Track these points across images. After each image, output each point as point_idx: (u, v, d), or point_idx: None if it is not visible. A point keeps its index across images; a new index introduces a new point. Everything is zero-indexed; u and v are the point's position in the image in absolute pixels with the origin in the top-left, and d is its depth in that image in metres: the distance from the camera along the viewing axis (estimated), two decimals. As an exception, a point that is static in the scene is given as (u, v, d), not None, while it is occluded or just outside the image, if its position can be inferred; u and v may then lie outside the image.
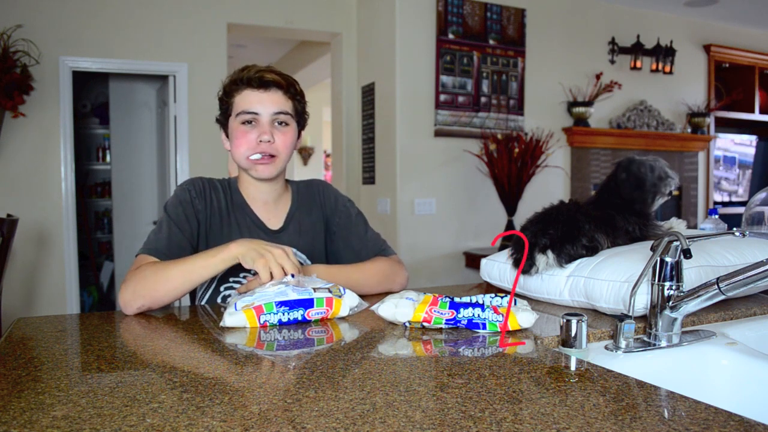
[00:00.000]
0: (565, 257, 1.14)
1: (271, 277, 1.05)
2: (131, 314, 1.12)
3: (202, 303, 1.30)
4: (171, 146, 3.95)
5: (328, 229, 1.41)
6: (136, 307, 1.11)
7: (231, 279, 1.29)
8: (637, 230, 1.25)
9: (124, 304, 1.11)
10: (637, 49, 4.50)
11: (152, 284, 1.10)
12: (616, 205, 1.27)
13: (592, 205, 1.30)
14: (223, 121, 1.33)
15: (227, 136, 1.33)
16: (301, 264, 1.35)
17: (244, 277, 1.29)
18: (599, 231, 1.18)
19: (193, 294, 1.33)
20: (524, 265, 1.15)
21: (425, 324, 0.95)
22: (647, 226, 1.27)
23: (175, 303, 1.17)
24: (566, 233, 1.15)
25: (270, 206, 1.35)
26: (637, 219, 1.26)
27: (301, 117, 1.33)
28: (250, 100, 1.25)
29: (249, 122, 1.25)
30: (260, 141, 1.24)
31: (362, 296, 1.15)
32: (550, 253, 1.14)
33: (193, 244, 1.26)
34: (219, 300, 1.29)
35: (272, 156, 1.26)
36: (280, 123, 1.27)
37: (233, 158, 1.32)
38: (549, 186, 4.15)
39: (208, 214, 1.29)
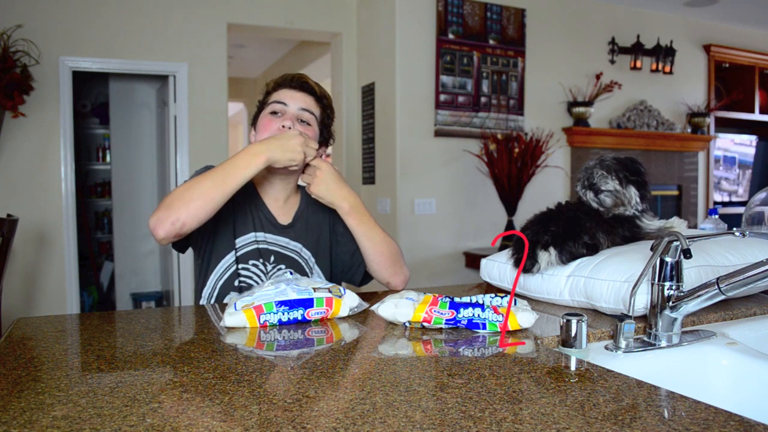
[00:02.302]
0: (566, 254, 1.14)
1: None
2: (164, 236, 1.12)
3: (222, 282, 1.31)
4: (171, 146, 3.95)
5: (333, 231, 1.44)
6: (169, 223, 1.11)
7: (240, 266, 1.32)
8: (627, 231, 1.25)
9: (157, 223, 1.12)
10: (637, 49, 4.50)
11: (188, 196, 1.13)
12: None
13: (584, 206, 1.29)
14: (257, 116, 1.39)
15: (255, 131, 1.38)
16: (306, 261, 1.37)
17: (254, 265, 1.32)
18: (600, 230, 1.18)
19: (203, 281, 1.34)
20: (526, 263, 1.15)
21: (425, 324, 0.95)
22: (636, 227, 1.26)
23: (175, 303, 1.17)
24: (568, 230, 1.15)
25: (280, 203, 1.40)
26: (627, 224, 1.25)
27: (325, 129, 1.40)
28: (283, 95, 1.35)
29: (276, 113, 1.33)
30: (282, 126, 1.30)
31: (362, 297, 1.15)
32: (552, 249, 1.14)
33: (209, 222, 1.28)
34: (236, 283, 1.30)
35: None
36: (304, 121, 1.34)
37: None
38: (549, 186, 4.15)
39: (229, 202, 1.31)
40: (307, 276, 1.36)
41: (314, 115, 1.35)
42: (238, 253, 1.31)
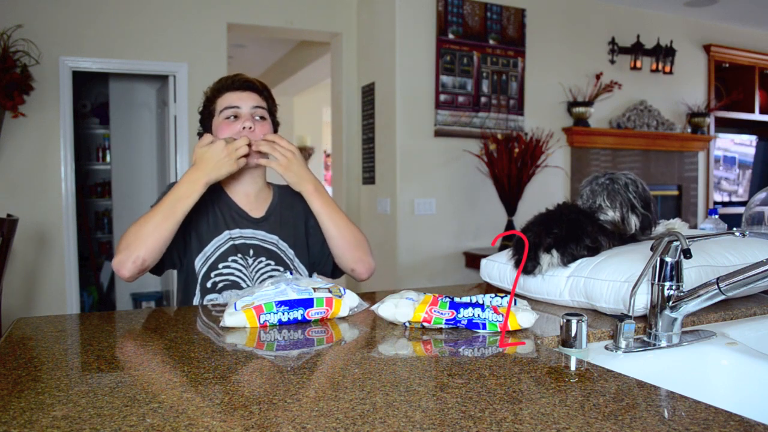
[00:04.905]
0: (568, 257, 1.14)
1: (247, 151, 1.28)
2: (128, 274, 1.16)
3: (198, 283, 1.33)
4: (171, 146, 3.95)
5: (306, 224, 1.47)
6: (131, 262, 1.16)
7: (221, 265, 1.33)
8: (628, 240, 1.24)
9: (120, 265, 1.17)
10: (637, 49, 4.49)
11: (142, 234, 1.18)
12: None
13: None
14: (207, 127, 1.42)
15: None
16: (284, 253, 1.38)
17: (234, 261, 1.34)
18: (601, 232, 1.18)
19: (188, 283, 1.35)
20: (528, 265, 1.15)
21: (425, 324, 0.95)
22: (635, 242, 1.25)
23: (173, 303, 1.18)
24: (570, 233, 1.15)
25: (251, 198, 1.43)
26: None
27: (273, 117, 1.46)
28: (231, 99, 1.38)
29: (233, 117, 1.37)
30: (243, 128, 1.35)
31: (362, 297, 1.15)
32: (554, 252, 1.14)
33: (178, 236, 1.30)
34: (209, 285, 1.32)
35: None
36: (259, 117, 1.39)
37: None
38: (549, 186, 4.15)
39: (194, 210, 1.32)
40: (289, 268, 1.39)
41: (265, 109, 1.41)
42: (214, 255, 1.33)
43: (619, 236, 1.22)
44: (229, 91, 1.38)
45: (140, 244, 1.18)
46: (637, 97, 4.59)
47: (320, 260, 1.47)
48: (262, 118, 1.39)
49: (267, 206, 1.44)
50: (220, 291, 1.32)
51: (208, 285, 1.32)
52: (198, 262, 1.33)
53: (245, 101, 1.37)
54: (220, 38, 3.86)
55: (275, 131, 1.45)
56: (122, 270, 1.18)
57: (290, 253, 1.41)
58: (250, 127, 1.35)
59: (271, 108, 1.44)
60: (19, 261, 3.46)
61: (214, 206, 1.37)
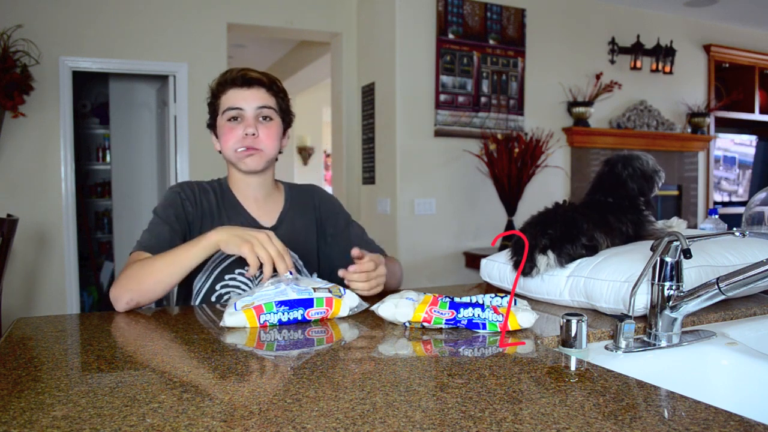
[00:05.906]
0: (565, 257, 1.14)
1: (259, 264, 1.06)
2: (121, 310, 1.13)
3: (198, 301, 1.29)
4: (171, 146, 3.95)
5: (322, 232, 1.42)
6: (124, 302, 1.12)
7: (227, 277, 1.29)
8: (630, 230, 1.25)
9: (114, 300, 1.13)
10: (637, 49, 4.49)
11: (139, 278, 1.13)
12: (609, 204, 1.27)
13: (584, 205, 1.29)
14: (213, 123, 1.38)
15: (217, 138, 1.38)
16: (293, 263, 1.36)
17: (241, 275, 1.29)
18: (598, 230, 1.18)
19: (189, 291, 1.32)
20: (525, 266, 1.15)
21: (425, 324, 0.95)
22: (641, 225, 1.26)
23: (174, 304, 1.17)
24: (565, 233, 1.15)
25: (261, 203, 1.38)
26: (631, 217, 1.26)
27: (285, 114, 1.38)
28: (234, 97, 1.31)
29: (235, 118, 1.31)
30: (246, 134, 1.29)
31: (362, 297, 1.15)
32: (550, 253, 1.14)
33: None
34: (214, 298, 1.29)
35: (257, 149, 1.30)
36: (264, 118, 1.32)
37: (224, 155, 1.36)
38: (549, 186, 4.15)
39: (199, 216, 1.31)
40: None
41: (272, 108, 1.33)
42: (220, 267, 1.29)
43: (623, 211, 1.26)
44: (233, 87, 1.31)
45: (136, 289, 1.11)
46: (637, 97, 4.59)
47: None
48: (268, 118, 1.32)
49: (278, 213, 1.39)
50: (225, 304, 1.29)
51: (213, 299, 1.28)
52: (197, 282, 1.29)
53: (249, 101, 1.29)
54: (220, 38, 3.86)
55: (288, 125, 1.39)
56: (116, 306, 1.14)
57: (299, 263, 1.37)
58: (253, 133, 1.28)
59: (281, 104, 1.36)
60: (19, 261, 3.46)
61: (223, 214, 1.33)
